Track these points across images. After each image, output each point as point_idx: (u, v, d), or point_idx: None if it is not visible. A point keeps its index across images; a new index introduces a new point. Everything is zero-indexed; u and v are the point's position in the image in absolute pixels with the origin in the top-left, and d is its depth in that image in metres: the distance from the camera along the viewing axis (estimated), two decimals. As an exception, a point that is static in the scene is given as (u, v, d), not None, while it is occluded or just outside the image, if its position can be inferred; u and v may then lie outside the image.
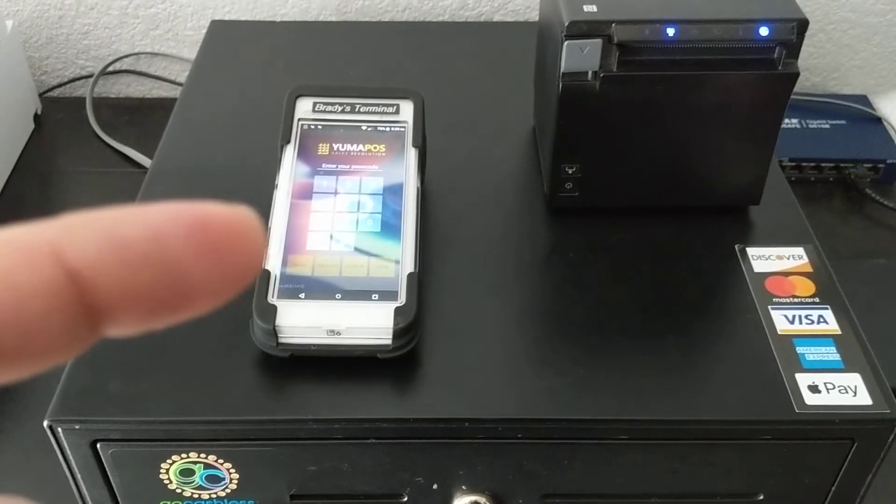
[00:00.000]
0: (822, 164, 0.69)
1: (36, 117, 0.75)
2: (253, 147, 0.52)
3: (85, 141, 0.73)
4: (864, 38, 0.77)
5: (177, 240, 0.13)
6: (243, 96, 0.57)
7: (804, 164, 0.69)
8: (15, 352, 0.12)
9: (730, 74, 0.43)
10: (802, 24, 0.41)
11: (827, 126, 0.72)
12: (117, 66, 0.78)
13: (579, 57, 0.42)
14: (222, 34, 0.65)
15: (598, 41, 0.41)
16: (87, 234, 0.13)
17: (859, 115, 0.73)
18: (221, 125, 0.55)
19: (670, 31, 0.41)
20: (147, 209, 0.13)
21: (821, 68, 0.79)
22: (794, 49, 0.42)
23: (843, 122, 0.72)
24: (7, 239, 0.12)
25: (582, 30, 0.41)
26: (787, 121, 0.71)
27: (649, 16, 0.41)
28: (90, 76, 0.77)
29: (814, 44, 0.77)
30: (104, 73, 0.77)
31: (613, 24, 0.41)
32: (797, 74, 0.43)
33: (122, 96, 0.80)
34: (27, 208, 0.67)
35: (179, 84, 0.77)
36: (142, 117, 0.76)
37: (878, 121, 0.73)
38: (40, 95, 0.77)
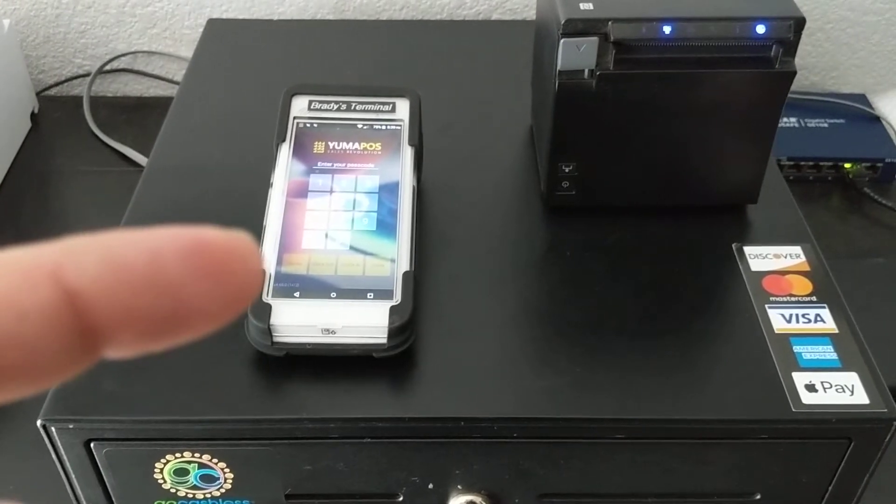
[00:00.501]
0: (821, 163, 0.69)
1: (33, 116, 0.75)
2: (249, 145, 0.52)
3: (82, 140, 0.73)
4: (863, 36, 0.77)
5: (175, 263, 0.13)
6: (240, 94, 0.57)
7: (802, 163, 0.69)
8: (14, 371, 0.12)
9: (727, 73, 0.42)
10: (799, 23, 0.41)
11: (825, 125, 0.72)
12: (115, 64, 0.78)
13: (576, 55, 0.42)
14: (219, 32, 0.64)
15: (595, 39, 0.41)
16: (86, 255, 0.13)
17: (858, 114, 0.73)
18: (218, 123, 0.55)
19: (667, 29, 0.41)
20: (146, 232, 0.13)
21: (819, 67, 0.78)
22: (791, 47, 0.42)
23: (841, 120, 0.72)
24: (7, 260, 0.13)
25: (578, 28, 0.41)
26: (785, 120, 0.71)
27: (646, 14, 0.41)
28: (87, 75, 0.77)
29: (812, 42, 0.77)
30: (101, 71, 0.77)
31: (610, 22, 0.41)
32: (794, 73, 0.42)
33: (119, 95, 0.80)
34: (24, 207, 0.66)
35: (177, 83, 0.77)
36: (139, 116, 0.76)
37: (876, 120, 0.73)
38: (37, 94, 0.76)
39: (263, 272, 0.11)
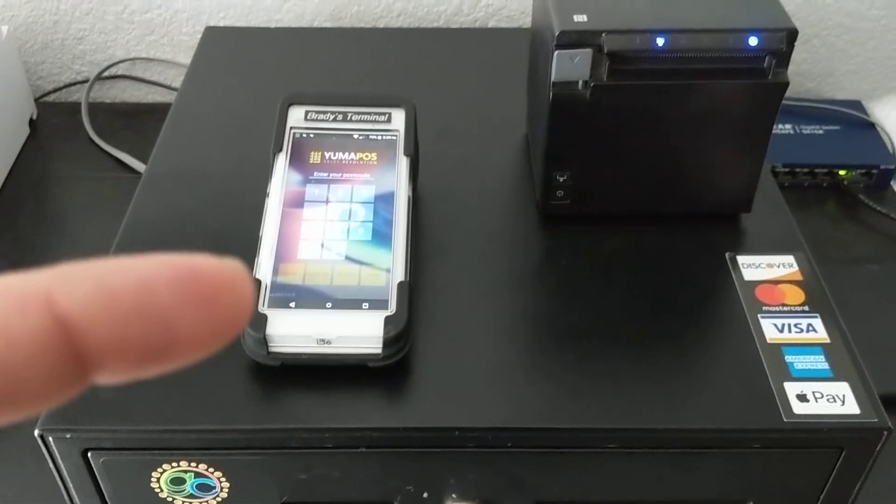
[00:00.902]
0: (816, 170, 0.69)
1: (31, 122, 0.75)
2: (246, 153, 0.52)
3: (80, 146, 0.73)
4: (859, 43, 0.77)
5: (166, 291, 0.13)
6: (238, 102, 0.58)
7: (798, 169, 0.69)
8: (5, 396, 0.13)
9: (720, 84, 0.43)
10: (792, 34, 0.42)
11: (821, 132, 0.72)
12: (113, 71, 0.78)
13: (570, 66, 0.42)
14: (217, 40, 0.65)
15: (589, 51, 0.42)
16: (78, 283, 0.13)
17: (853, 120, 0.73)
18: (215, 131, 0.55)
19: (660, 41, 0.41)
20: (138, 260, 0.13)
21: (815, 73, 0.79)
22: (783, 58, 0.42)
23: (836, 127, 0.73)
24: (1, 286, 0.13)
25: (572, 39, 0.41)
26: (780, 126, 0.72)
27: (639, 26, 0.41)
28: (85, 81, 0.77)
29: (808, 49, 0.77)
30: (99, 78, 0.78)
31: (603, 34, 0.41)
32: (787, 84, 0.43)
33: (117, 101, 0.80)
34: (22, 213, 0.67)
35: (175, 89, 0.77)
36: (137, 122, 0.76)
37: (871, 126, 0.73)
38: (36, 100, 0.77)
39: (254, 302, 0.11)
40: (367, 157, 0.45)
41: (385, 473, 0.40)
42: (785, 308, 0.43)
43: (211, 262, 0.14)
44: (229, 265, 0.14)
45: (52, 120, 0.76)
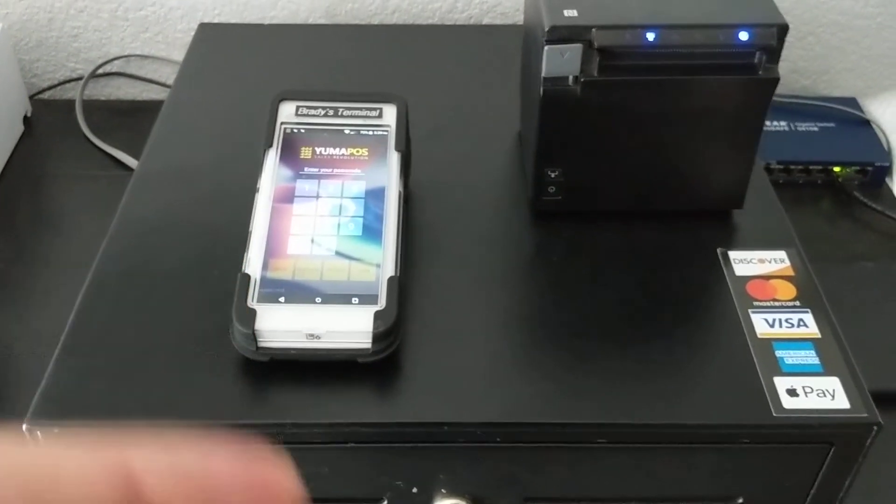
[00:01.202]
0: (811, 167, 0.69)
1: (26, 120, 0.75)
2: (238, 149, 0.52)
3: (75, 143, 0.73)
4: (854, 40, 0.77)
5: (231, 486, 0.15)
6: (231, 99, 0.57)
7: (792, 166, 0.69)
8: None
9: (710, 79, 0.43)
10: (783, 29, 0.42)
11: (816, 129, 0.72)
12: (107, 68, 0.78)
13: (560, 62, 0.42)
14: (211, 37, 0.65)
15: (579, 46, 0.41)
16: (158, 460, 0.15)
17: (848, 117, 0.73)
18: (208, 128, 0.55)
19: (651, 37, 0.41)
20: (218, 453, 0.15)
21: (810, 71, 0.79)
22: (774, 54, 0.42)
23: (831, 124, 0.73)
24: (90, 454, 0.15)
25: (563, 35, 0.41)
26: (775, 123, 0.71)
27: (630, 21, 0.41)
28: (80, 79, 0.77)
29: (803, 46, 0.77)
30: (94, 75, 0.78)
31: (594, 30, 0.41)
32: (777, 79, 0.43)
33: (112, 99, 0.80)
34: (17, 211, 0.67)
35: (170, 86, 0.77)
36: (132, 120, 0.76)
37: (866, 123, 0.73)
38: (30, 98, 0.77)
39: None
40: (357, 152, 0.45)
41: (375, 469, 0.40)
42: (776, 303, 0.43)
43: (277, 474, 0.16)
44: (290, 483, 0.16)
45: (47, 117, 0.76)
